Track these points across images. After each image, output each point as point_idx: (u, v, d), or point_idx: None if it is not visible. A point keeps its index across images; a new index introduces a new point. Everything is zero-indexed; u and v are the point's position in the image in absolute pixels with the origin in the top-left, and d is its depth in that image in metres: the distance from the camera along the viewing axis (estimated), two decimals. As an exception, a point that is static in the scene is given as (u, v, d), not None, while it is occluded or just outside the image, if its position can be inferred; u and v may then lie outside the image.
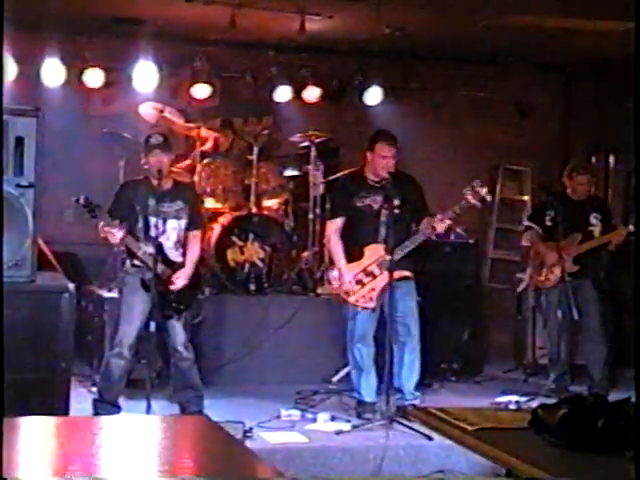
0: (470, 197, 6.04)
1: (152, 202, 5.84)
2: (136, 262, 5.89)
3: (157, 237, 5.80)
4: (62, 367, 4.89)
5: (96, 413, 5.92)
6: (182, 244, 6.00)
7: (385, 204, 6.10)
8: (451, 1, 7.34)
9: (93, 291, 7.39)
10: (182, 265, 5.96)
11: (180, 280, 5.90)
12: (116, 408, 5.97)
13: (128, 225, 5.80)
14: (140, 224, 5.86)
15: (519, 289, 8.00)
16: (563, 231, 6.89)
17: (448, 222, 6.13)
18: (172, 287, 5.87)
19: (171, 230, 5.92)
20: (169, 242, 5.92)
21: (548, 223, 7.01)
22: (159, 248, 5.80)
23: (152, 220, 5.83)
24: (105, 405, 5.94)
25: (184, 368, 6.03)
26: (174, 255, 5.95)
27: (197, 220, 6.17)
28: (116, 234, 5.64)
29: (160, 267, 5.80)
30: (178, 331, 5.96)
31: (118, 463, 2.51)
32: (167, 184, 5.98)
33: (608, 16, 7.24)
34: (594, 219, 7.08)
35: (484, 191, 6.07)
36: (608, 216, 7.23)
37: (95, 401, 6.04)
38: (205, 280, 7.40)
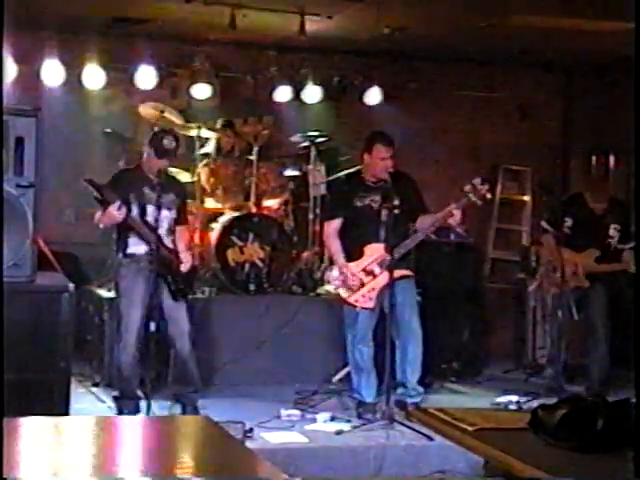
0: (472, 195, 6.06)
1: (147, 190, 5.96)
2: (129, 251, 5.95)
3: (153, 223, 5.90)
4: (62, 367, 4.89)
5: (120, 412, 5.93)
6: (172, 232, 6.12)
7: (384, 204, 6.10)
8: (451, 1, 7.35)
9: (93, 291, 7.39)
10: (175, 251, 6.09)
11: (186, 261, 6.09)
12: (136, 402, 5.92)
13: (127, 210, 5.89)
14: (136, 210, 5.94)
15: (530, 289, 7.95)
16: (580, 240, 6.85)
17: (459, 212, 6.10)
18: (182, 268, 6.02)
19: (164, 218, 6.02)
20: (162, 230, 6.02)
21: (566, 230, 6.92)
22: (156, 233, 5.90)
23: (148, 207, 5.95)
24: (127, 402, 5.93)
25: (184, 357, 6.03)
26: (167, 242, 6.07)
27: (184, 217, 6.36)
28: (121, 213, 5.73)
29: (162, 250, 5.91)
30: (182, 316, 6.01)
31: (118, 463, 2.51)
32: (161, 176, 6.07)
33: (608, 16, 7.24)
34: (613, 230, 6.99)
35: (485, 189, 6.08)
36: (627, 226, 7.12)
37: (116, 398, 6.04)
38: (205, 280, 7.41)
